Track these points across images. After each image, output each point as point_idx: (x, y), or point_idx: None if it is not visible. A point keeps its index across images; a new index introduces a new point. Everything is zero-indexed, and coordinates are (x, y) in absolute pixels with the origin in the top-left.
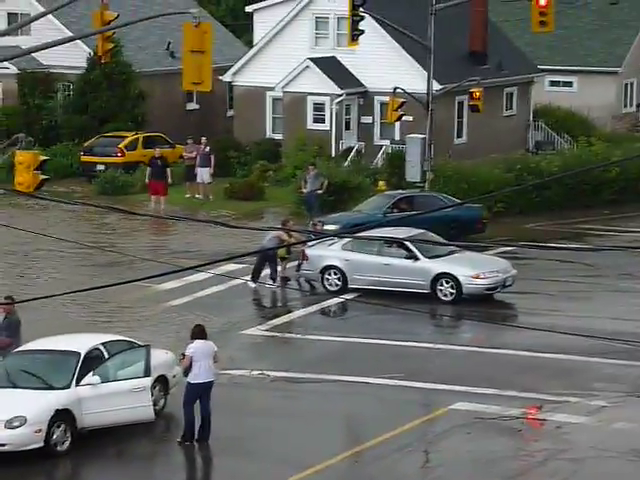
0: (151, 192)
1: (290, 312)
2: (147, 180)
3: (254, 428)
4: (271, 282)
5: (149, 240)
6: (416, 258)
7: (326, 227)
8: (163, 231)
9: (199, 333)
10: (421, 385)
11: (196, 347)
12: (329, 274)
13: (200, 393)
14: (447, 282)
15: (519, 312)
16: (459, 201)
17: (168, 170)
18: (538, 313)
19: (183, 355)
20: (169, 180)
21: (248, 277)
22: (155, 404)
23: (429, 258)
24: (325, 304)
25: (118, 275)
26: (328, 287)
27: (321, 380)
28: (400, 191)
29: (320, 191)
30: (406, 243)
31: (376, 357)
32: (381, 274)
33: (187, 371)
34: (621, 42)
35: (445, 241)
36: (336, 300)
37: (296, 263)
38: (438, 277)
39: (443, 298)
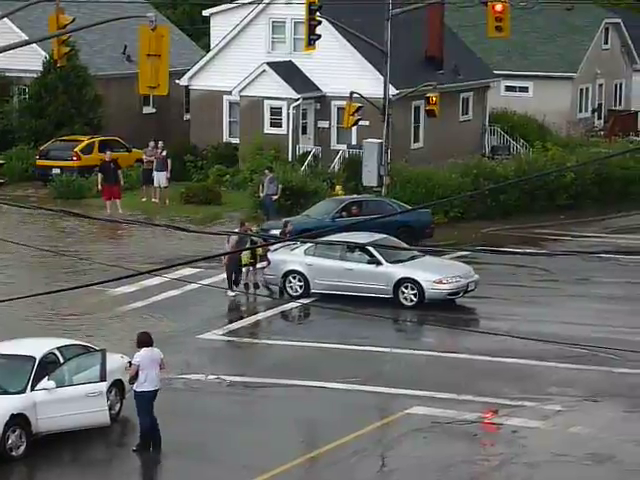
0: (106, 197)
1: (248, 316)
2: (100, 185)
3: (210, 433)
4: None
5: (105, 244)
6: (378, 263)
7: (273, 232)
8: (119, 235)
9: (145, 341)
10: (378, 389)
11: (143, 355)
12: (291, 279)
13: (150, 400)
14: (409, 287)
15: (476, 316)
16: (408, 206)
17: (119, 173)
18: (495, 318)
19: (130, 363)
20: (122, 183)
21: (224, 286)
22: (111, 409)
23: (391, 263)
24: (284, 308)
25: (74, 279)
26: (290, 292)
27: (278, 385)
28: (349, 196)
29: (275, 196)
30: (368, 248)
31: (334, 362)
32: (343, 279)
33: (133, 379)
34: (576, 48)
35: (407, 246)
36: (296, 304)
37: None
38: (400, 282)
39: (405, 303)
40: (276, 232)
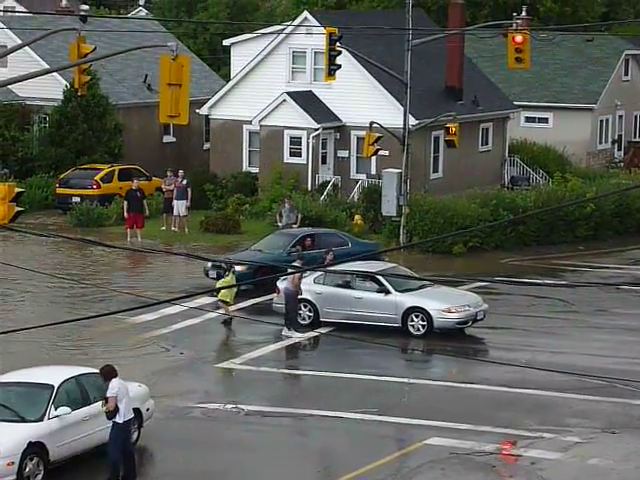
0: (129, 225)
1: (265, 346)
2: (125, 213)
3: (228, 462)
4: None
5: (125, 272)
6: (387, 292)
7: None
8: (139, 264)
9: (113, 371)
10: (395, 420)
11: (118, 386)
12: (301, 307)
13: (129, 431)
14: (418, 316)
15: (494, 347)
16: (356, 239)
17: (145, 202)
18: (513, 348)
19: (106, 399)
20: (146, 212)
21: (283, 325)
22: None
23: (400, 292)
24: (300, 338)
25: (93, 308)
26: (300, 321)
27: (295, 414)
28: (301, 229)
29: (295, 225)
30: (378, 277)
31: (351, 392)
32: (352, 308)
33: (115, 413)
34: (596, 79)
35: (417, 275)
36: (309, 334)
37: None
38: (409, 311)
39: (414, 332)
40: (239, 267)
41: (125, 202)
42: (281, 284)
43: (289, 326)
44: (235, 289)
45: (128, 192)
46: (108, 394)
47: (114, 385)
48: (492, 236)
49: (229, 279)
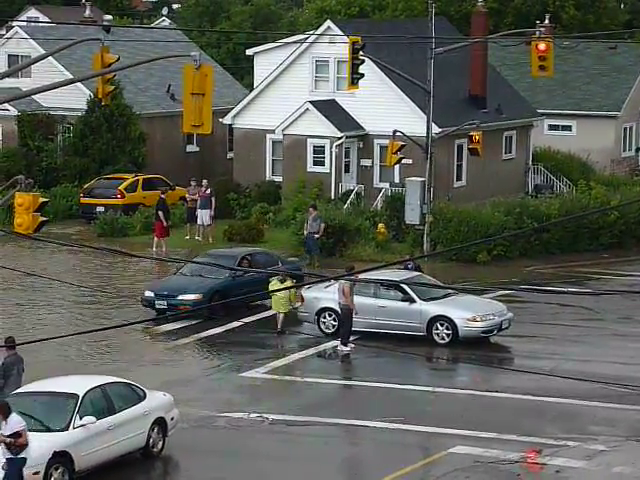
0: (158, 234)
1: (289, 355)
2: (165, 222)
3: (251, 471)
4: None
5: (149, 281)
6: (412, 300)
7: (186, 297)
8: (163, 273)
9: (6, 407)
10: (420, 428)
11: (20, 419)
12: (325, 316)
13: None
14: (443, 325)
15: (519, 355)
16: (283, 259)
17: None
18: (537, 357)
19: (14, 434)
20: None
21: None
22: (154, 446)
23: (425, 300)
24: (325, 346)
25: (118, 317)
26: (324, 329)
27: (320, 423)
28: (237, 249)
29: (317, 234)
30: (402, 285)
31: (375, 400)
32: (377, 316)
33: (22, 448)
34: (620, 86)
35: (442, 284)
36: (333, 343)
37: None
38: (434, 320)
39: (439, 341)
40: (193, 296)
41: (160, 212)
42: (305, 292)
43: (344, 342)
44: (289, 298)
45: (160, 202)
46: (17, 428)
47: (17, 419)
48: (516, 244)
49: (288, 284)
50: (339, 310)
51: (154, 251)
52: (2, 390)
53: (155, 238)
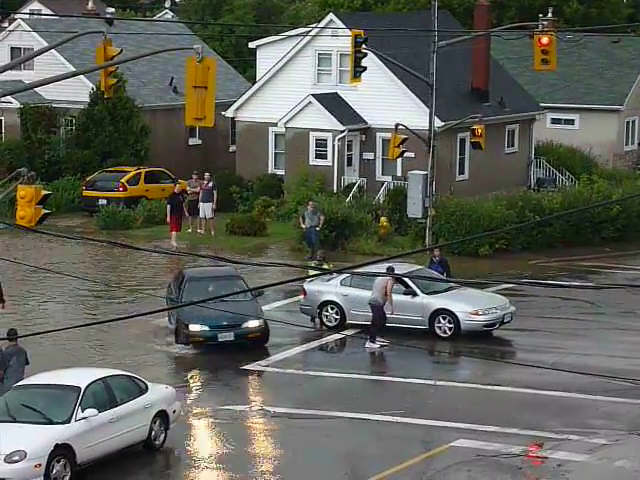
0: (175, 228)
1: (291, 348)
2: (168, 217)
3: (254, 464)
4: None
5: (152, 275)
6: (414, 294)
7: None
8: (166, 266)
9: None
10: (422, 422)
11: None
12: (327, 309)
13: None
14: (445, 318)
15: (520, 349)
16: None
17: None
18: (539, 350)
19: None
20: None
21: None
22: (155, 439)
23: (427, 294)
24: (327, 340)
25: (119, 310)
26: (326, 322)
27: (321, 416)
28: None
29: (318, 227)
30: (404, 279)
31: (376, 393)
32: None
33: None
34: (623, 80)
35: (443, 277)
36: (335, 336)
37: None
38: (436, 313)
39: (441, 334)
40: (199, 327)
41: (168, 206)
42: (307, 285)
43: (372, 339)
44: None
45: (171, 195)
46: None
47: None
48: (518, 238)
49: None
50: (369, 307)
51: (174, 246)
52: (2, 382)
53: (172, 232)
